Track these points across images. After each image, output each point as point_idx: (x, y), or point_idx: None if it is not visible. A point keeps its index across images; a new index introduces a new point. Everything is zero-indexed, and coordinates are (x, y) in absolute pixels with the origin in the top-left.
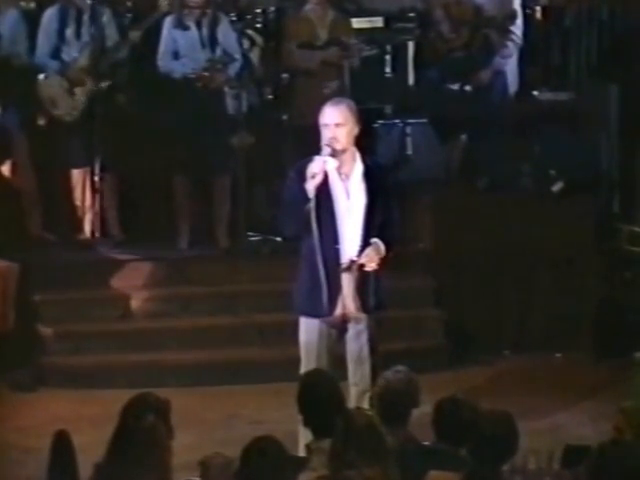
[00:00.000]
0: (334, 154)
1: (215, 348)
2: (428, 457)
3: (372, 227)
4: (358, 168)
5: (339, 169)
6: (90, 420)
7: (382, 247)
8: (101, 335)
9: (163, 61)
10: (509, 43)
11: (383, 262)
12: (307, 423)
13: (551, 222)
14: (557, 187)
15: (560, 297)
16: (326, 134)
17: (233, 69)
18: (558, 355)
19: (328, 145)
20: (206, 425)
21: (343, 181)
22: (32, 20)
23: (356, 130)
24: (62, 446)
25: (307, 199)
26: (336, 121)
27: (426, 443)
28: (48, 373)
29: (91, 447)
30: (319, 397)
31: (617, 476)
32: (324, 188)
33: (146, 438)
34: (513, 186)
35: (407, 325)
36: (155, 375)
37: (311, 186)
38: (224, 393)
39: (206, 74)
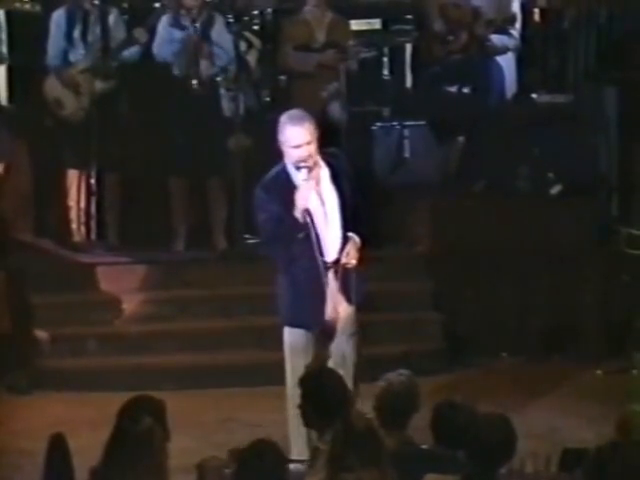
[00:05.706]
0: (311, 170)
1: (212, 351)
2: (426, 460)
3: (347, 224)
4: (325, 172)
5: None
6: (86, 423)
7: (357, 240)
8: (97, 338)
9: (158, 49)
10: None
11: (361, 256)
12: (312, 421)
13: (549, 225)
14: (555, 190)
15: (558, 300)
16: (298, 154)
17: (224, 63)
18: (556, 358)
19: (304, 165)
20: (203, 428)
21: (314, 188)
22: (28, 21)
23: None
24: (58, 449)
25: (295, 224)
26: (306, 140)
27: (424, 446)
28: (44, 376)
29: (87, 450)
30: (326, 394)
31: (615, 479)
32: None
33: (143, 440)
34: (511, 189)
35: (405, 328)
36: (152, 378)
37: (301, 213)
38: (221, 396)
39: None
